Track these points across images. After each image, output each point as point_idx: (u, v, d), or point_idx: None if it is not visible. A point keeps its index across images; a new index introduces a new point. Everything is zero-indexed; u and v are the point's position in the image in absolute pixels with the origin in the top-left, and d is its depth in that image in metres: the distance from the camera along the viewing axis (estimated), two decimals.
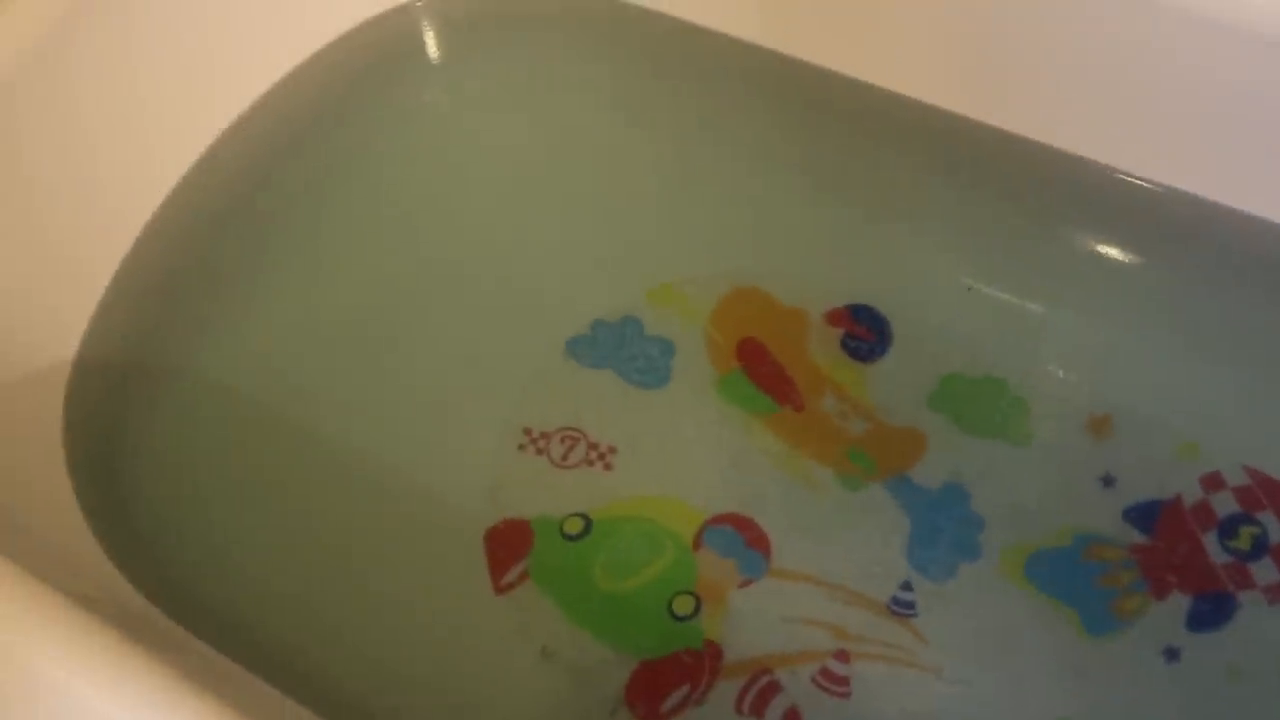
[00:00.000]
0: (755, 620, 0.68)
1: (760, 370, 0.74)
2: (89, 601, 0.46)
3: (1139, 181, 0.72)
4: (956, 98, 0.72)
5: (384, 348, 0.76)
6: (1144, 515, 0.69)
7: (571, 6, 0.78)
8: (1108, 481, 0.70)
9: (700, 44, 0.76)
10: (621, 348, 0.75)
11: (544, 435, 0.73)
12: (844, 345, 0.74)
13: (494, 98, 0.79)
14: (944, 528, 0.69)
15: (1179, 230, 0.72)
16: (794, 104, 0.77)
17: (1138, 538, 0.69)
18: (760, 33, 0.75)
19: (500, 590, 0.68)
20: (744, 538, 0.69)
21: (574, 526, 0.70)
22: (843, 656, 0.67)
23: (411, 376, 0.75)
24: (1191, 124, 0.70)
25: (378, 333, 0.77)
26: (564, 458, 0.72)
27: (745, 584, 0.68)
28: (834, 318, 0.74)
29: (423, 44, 0.78)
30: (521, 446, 0.72)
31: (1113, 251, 0.74)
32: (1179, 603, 0.68)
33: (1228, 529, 0.69)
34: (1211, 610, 0.67)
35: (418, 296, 0.77)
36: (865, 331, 0.74)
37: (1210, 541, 0.69)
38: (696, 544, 0.69)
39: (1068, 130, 0.71)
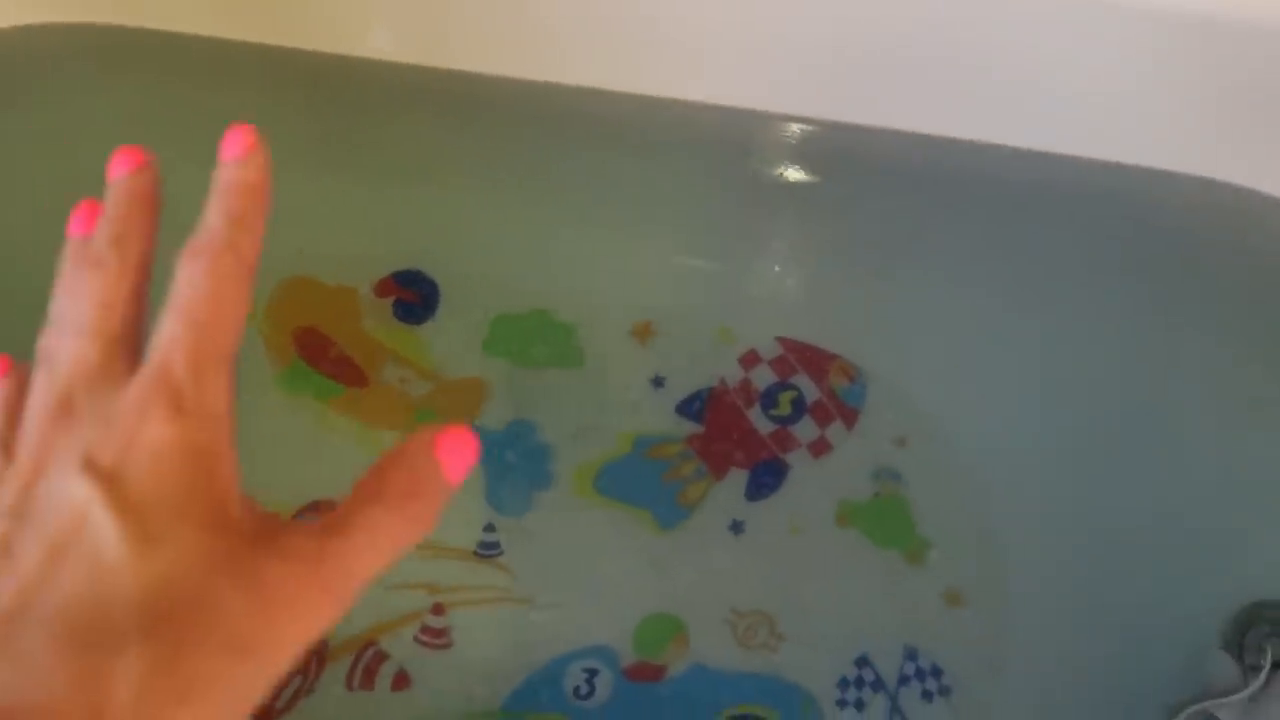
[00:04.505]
0: None
1: (319, 356, 0.75)
2: None
3: (631, 95, 0.74)
4: (435, 53, 0.73)
5: None
6: (694, 406, 0.74)
7: (74, 43, 0.76)
8: (658, 382, 0.74)
9: (202, 52, 0.75)
10: None
11: None
12: (396, 313, 0.75)
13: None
14: (515, 464, 0.73)
15: (676, 137, 0.75)
16: (293, 88, 0.76)
17: (692, 428, 0.73)
18: (238, 27, 0.74)
19: None
20: None
21: None
22: (439, 610, 0.70)
23: None
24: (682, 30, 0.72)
25: None
26: None
27: None
28: (382, 288, 0.76)
29: None
30: None
31: (626, 167, 0.77)
32: (738, 479, 0.73)
33: (769, 399, 0.74)
34: (766, 477, 0.72)
35: None
36: (413, 295, 0.76)
37: (756, 415, 0.74)
38: None
39: (551, 65, 0.73)
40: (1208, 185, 0.68)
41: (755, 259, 0.76)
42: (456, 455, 0.28)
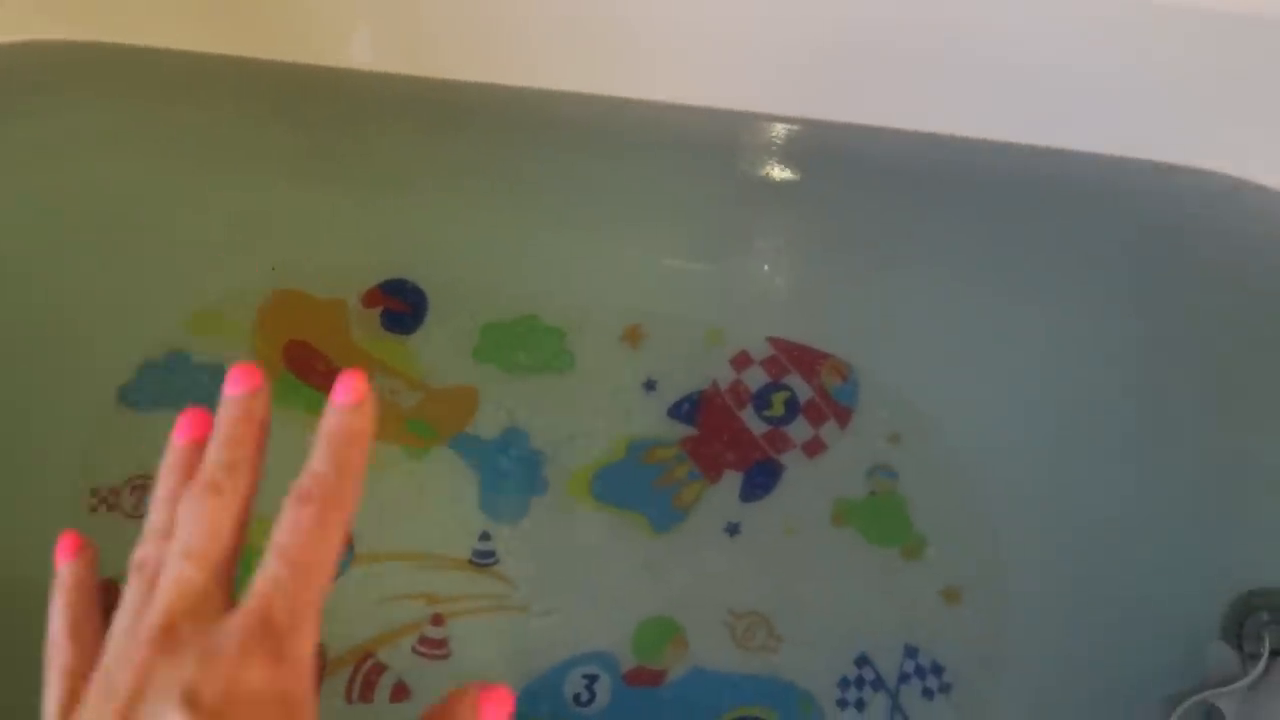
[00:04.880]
0: (350, 610, 0.70)
1: (308, 368, 0.75)
2: None
3: (616, 99, 0.74)
4: (416, 62, 0.72)
5: None
6: (686, 409, 0.73)
7: (57, 60, 0.76)
8: (650, 386, 0.74)
9: (185, 67, 0.75)
10: (172, 384, 0.74)
11: (113, 491, 0.72)
12: (384, 323, 0.75)
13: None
14: (509, 471, 0.72)
15: (662, 140, 0.75)
16: (276, 100, 0.76)
17: (685, 431, 0.73)
18: (218, 41, 0.74)
19: None
20: None
21: None
22: (438, 620, 0.70)
23: None
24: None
25: None
26: (136, 508, 0.72)
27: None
28: (370, 299, 0.76)
29: None
30: (93, 508, 0.72)
31: (613, 171, 0.76)
32: (732, 480, 0.72)
33: (762, 400, 0.73)
34: (761, 479, 0.72)
35: None
36: (402, 305, 0.75)
37: (749, 416, 0.73)
38: None
39: (535, 71, 0.72)
40: (1205, 178, 0.68)
41: (744, 260, 0.76)
42: (496, 716, 0.29)
